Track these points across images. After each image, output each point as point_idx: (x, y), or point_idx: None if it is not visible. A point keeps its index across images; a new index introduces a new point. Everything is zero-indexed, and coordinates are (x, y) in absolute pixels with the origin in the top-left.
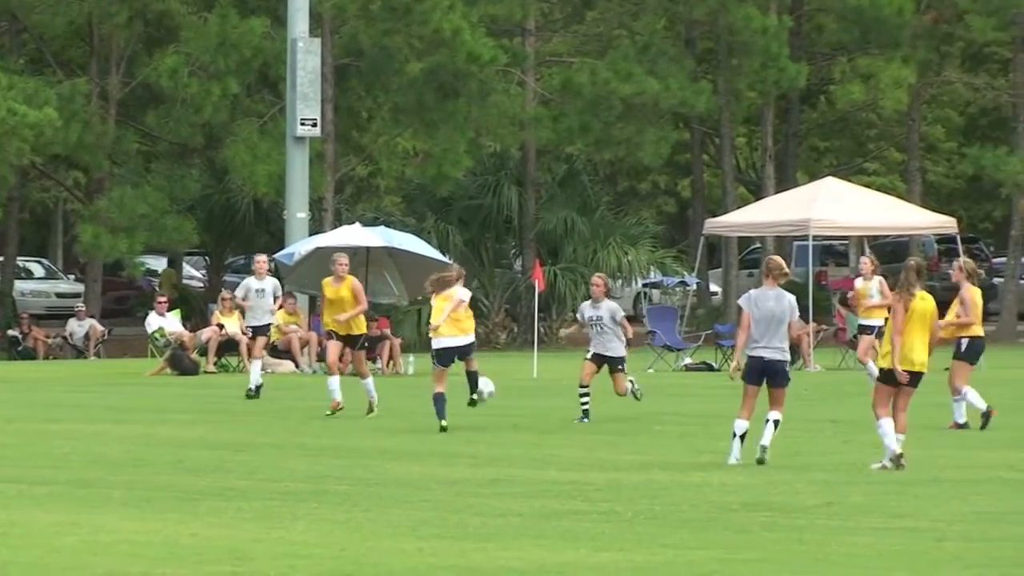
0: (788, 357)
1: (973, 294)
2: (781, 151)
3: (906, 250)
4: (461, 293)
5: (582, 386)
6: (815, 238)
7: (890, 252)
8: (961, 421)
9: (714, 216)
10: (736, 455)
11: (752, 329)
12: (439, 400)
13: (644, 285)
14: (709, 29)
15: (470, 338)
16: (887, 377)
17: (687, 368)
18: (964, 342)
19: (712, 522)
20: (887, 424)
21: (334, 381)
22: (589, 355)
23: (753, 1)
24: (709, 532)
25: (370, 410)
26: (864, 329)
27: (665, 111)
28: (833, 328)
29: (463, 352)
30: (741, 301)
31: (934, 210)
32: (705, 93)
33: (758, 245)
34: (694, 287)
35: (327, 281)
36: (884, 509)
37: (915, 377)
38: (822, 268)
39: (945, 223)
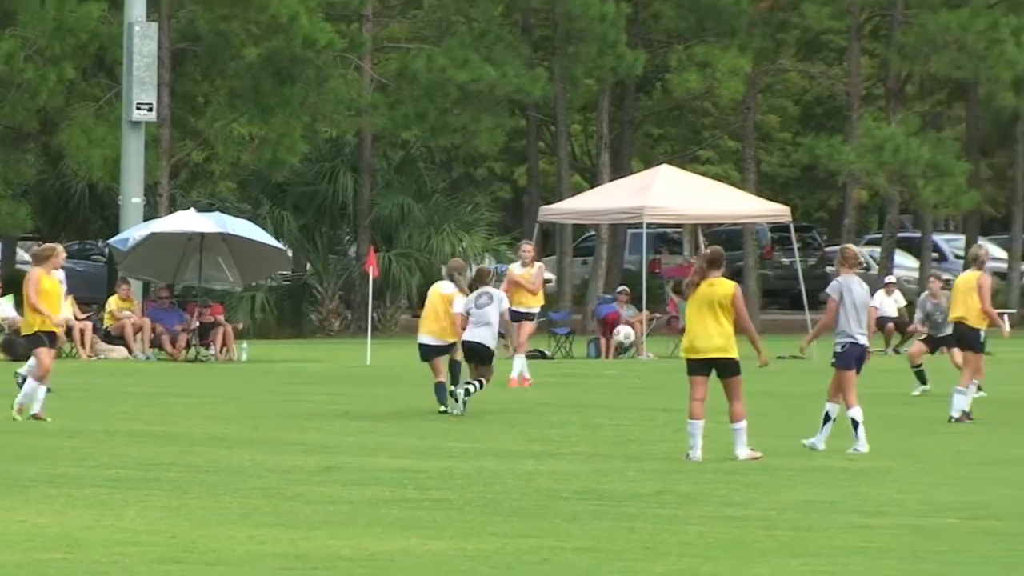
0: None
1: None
2: (616, 139)
3: (740, 238)
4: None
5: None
6: (649, 226)
7: (725, 240)
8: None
9: (548, 203)
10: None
11: (844, 317)
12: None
13: None
14: (546, 16)
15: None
16: (689, 368)
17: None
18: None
19: (543, 510)
20: (697, 427)
21: (42, 391)
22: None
23: None
24: (540, 520)
25: (35, 417)
26: (519, 316)
27: (501, 98)
28: (666, 316)
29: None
30: (831, 290)
31: (768, 198)
32: (541, 80)
33: (592, 232)
34: None
35: (41, 271)
36: (714, 498)
37: (712, 363)
38: (656, 256)
39: (779, 211)
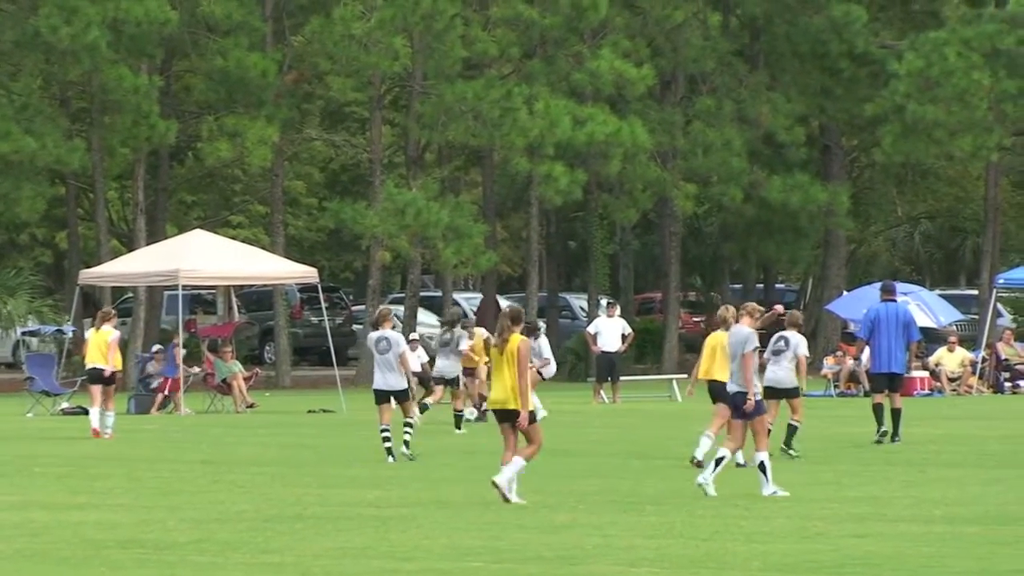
0: (741, 389)
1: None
2: (152, 205)
3: (271, 299)
4: None
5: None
6: (184, 287)
7: (256, 300)
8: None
9: (89, 267)
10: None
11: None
12: None
13: (23, 333)
14: (83, 88)
15: None
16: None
17: (64, 412)
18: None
19: (89, 559)
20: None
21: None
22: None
23: (125, 62)
24: (86, 569)
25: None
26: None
27: (41, 168)
28: (202, 373)
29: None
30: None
31: (297, 261)
32: (79, 150)
33: (131, 295)
34: (70, 335)
35: None
36: (252, 545)
37: (506, 414)
38: (192, 316)
39: (307, 273)
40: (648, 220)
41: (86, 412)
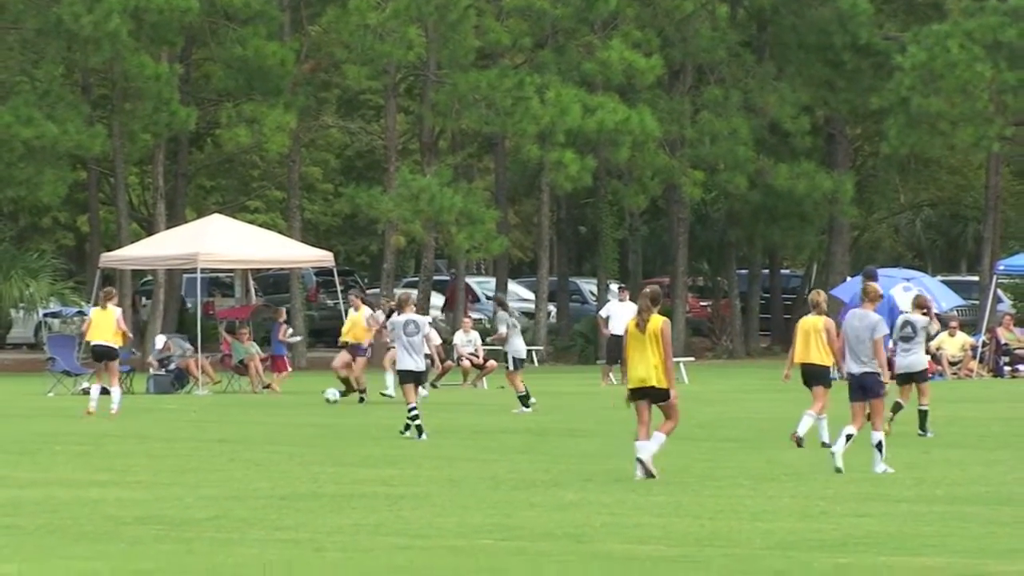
0: (875, 369)
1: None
2: (171, 190)
3: (288, 282)
4: None
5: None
6: (203, 271)
7: (273, 283)
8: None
9: (109, 250)
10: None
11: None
12: None
13: (45, 315)
14: (104, 76)
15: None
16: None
17: (84, 392)
18: None
19: (108, 535)
20: (639, 448)
21: None
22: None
23: (146, 49)
24: (105, 544)
25: None
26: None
27: (63, 153)
28: (220, 354)
29: None
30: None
31: (313, 245)
32: (100, 136)
33: (150, 277)
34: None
35: None
36: (267, 522)
37: (645, 392)
38: (210, 299)
39: (323, 257)
40: (657, 206)
41: (105, 391)
